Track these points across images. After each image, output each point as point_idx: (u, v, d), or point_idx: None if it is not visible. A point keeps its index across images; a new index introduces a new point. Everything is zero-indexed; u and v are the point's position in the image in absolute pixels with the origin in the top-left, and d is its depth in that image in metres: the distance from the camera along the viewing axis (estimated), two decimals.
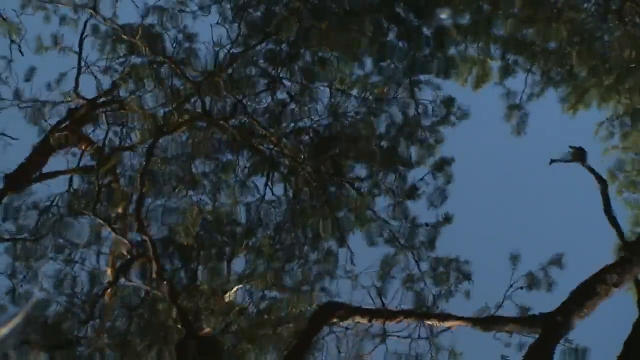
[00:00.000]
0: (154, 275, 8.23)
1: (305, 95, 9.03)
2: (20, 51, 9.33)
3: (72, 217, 9.53)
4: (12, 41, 9.25)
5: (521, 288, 8.05)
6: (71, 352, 8.65)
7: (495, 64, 9.12)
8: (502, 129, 9.02)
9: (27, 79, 9.32)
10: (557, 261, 8.28)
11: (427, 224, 8.96)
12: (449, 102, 9.24)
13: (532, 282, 8.15)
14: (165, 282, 8.06)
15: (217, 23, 8.97)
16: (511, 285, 7.92)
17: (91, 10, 8.96)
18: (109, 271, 9.40)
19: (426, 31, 9.01)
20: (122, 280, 9.11)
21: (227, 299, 8.87)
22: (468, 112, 9.29)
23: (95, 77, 9.49)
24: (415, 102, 9.11)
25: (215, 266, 9.15)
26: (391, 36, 8.91)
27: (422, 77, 9.05)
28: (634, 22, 7.94)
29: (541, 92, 8.92)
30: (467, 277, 8.82)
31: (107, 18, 9.05)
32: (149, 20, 9.09)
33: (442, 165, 9.05)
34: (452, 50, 9.08)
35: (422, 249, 8.93)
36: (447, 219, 8.99)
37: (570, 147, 8.80)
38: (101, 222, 9.02)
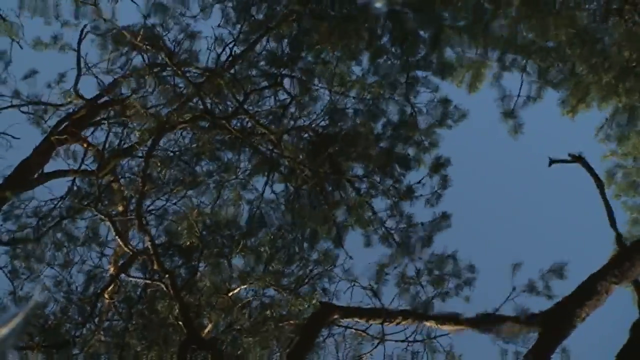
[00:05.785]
0: (155, 269, 8.11)
1: (305, 95, 8.89)
2: (20, 45, 9.19)
3: (74, 216, 9.44)
4: (12, 40, 9.11)
5: (523, 291, 7.89)
6: (71, 352, 8.51)
7: (492, 65, 8.99)
8: (502, 130, 8.88)
9: (27, 77, 9.23)
10: (557, 270, 8.12)
11: (422, 224, 8.80)
12: (445, 103, 9.09)
13: (531, 289, 7.99)
14: (167, 275, 7.89)
15: (219, 26, 8.85)
16: (513, 289, 7.76)
17: (92, 6, 8.80)
18: (111, 268, 9.29)
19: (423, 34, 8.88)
20: (124, 277, 9.03)
21: (228, 297, 8.75)
22: (466, 112, 9.16)
23: (97, 77, 9.42)
24: (410, 104, 8.98)
25: (216, 265, 9.02)
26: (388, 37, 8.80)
27: (418, 78, 8.92)
28: (634, 21, 7.78)
29: (539, 93, 8.77)
30: (468, 283, 8.65)
31: (107, 19, 8.92)
32: (151, 19, 8.99)
33: (438, 166, 8.90)
34: (448, 52, 8.96)
35: (418, 246, 8.80)
36: (445, 217, 8.85)
37: (570, 154, 8.67)
38: (102, 217, 8.91)
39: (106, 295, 8.77)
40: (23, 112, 9.54)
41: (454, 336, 7.90)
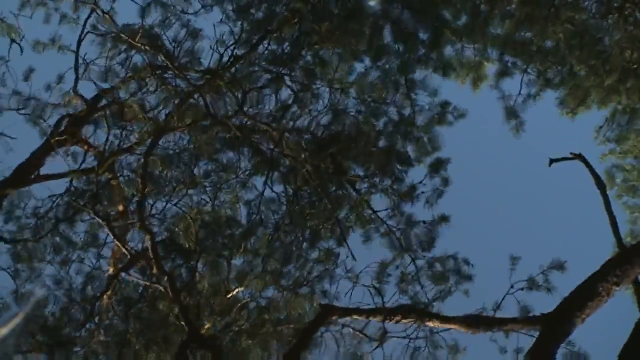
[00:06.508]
0: (154, 271, 8.06)
1: (306, 94, 8.87)
2: (20, 45, 9.16)
3: (73, 217, 9.40)
4: (12, 41, 9.07)
5: (522, 289, 7.86)
6: (71, 351, 8.48)
7: (492, 66, 8.99)
8: (502, 129, 8.87)
9: (26, 78, 9.21)
10: (558, 265, 8.08)
11: (424, 222, 8.78)
12: (444, 105, 9.07)
13: (532, 285, 7.95)
14: (166, 278, 7.86)
15: (221, 21, 8.84)
16: (512, 286, 7.72)
17: (93, 6, 8.78)
18: (110, 269, 9.26)
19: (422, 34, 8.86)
20: (123, 277, 9.00)
21: (228, 298, 8.72)
22: (465, 112, 9.14)
23: (94, 83, 9.42)
24: (411, 104, 8.96)
25: (215, 266, 9.00)
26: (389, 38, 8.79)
27: (419, 78, 8.90)
28: (634, 21, 7.76)
29: (538, 93, 8.77)
30: (467, 277, 8.64)
31: (106, 12, 8.89)
32: (151, 18, 9.00)
33: (439, 165, 8.88)
34: (449, 52, 8.94)
35: (419, 248, 8.79)
36: (444, 218, 8.81)
37: (571, 153, 8.64)
38: (100, 222, 8.88)
39: (105, 297, 8.74)
40: (21, 113, 9.50)
41: (456, 331, 7.82)
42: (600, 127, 9.64)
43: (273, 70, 8.74)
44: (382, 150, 8.87)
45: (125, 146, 9.11)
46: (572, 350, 7.23)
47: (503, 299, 7.44)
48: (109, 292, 8.78)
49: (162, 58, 8.93)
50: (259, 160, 9.08)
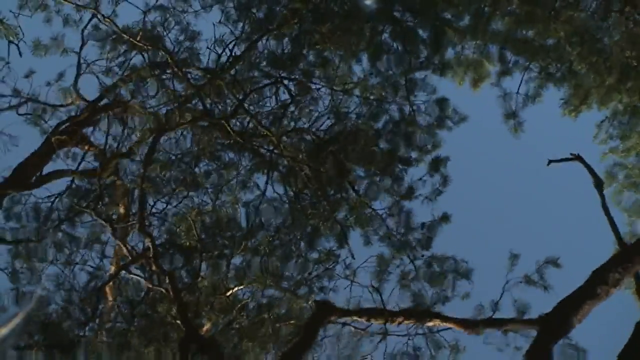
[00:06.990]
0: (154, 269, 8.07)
1: (306, 95, 8.87)
2: (19, 51, 9.15)
3: (74, 218, 9.40)
4: (10, 42, 9.06)
5: (520, 282, 7.89)
6: (72, 352, 8.49)
7: (493, 66, 8.97)
8: (502, 128, 8.88)
9: (27, 77, 9.20)
10: (553, 262, 8.10)
11: (423, 224, 8.79)
12: (443, 103, 9.06)
13: (529, 281, 7.98)
14: (167, 277, 7.85)
15: (220, 22, 8.84)
16: (506, 282, 7.76)
17: (93, 10, 8.78)
18: (111, 269, 9.27)
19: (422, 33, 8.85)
20: (124, 277, 9.00)
21: (227, 297, 8.74)
22: (465, 116, 9.13)
23: (97, 77, 9.43)
24: (410, 104, 8.96)
25: (215, 266, 9.01)
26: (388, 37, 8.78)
27: (419, 79, 8.90)
28: (634, 20, 7.77)
29: (539, 93, 8.76)
30: (466, 276, 8.65)
31: (107, 17, 8.89)
32: (151, 19, 9.01)
33: (438, 164, 8.88)
34: (449, 52, 8.94)
35: (418, 248, 8.80)
36: (445, 218, 8.82)
37: (571, 154, 8.65)
38: (102, 223, 8.89)
39: (109, 295, 8.74)
40: (20, 114, 9.49)
41: (456, 330, 7.85)
42: (602, 121, 9.63)
43: (273, 74, 8.73)
44: (383, 152, 8.88)
45: (126, 146, 9.10)
46: (570, 344, 7.24)
47: (501, 296, 7.48)
48: (110, 292, 8.80)
49: (163, 54, 8.93)
50: (259, 162, 9.08)
